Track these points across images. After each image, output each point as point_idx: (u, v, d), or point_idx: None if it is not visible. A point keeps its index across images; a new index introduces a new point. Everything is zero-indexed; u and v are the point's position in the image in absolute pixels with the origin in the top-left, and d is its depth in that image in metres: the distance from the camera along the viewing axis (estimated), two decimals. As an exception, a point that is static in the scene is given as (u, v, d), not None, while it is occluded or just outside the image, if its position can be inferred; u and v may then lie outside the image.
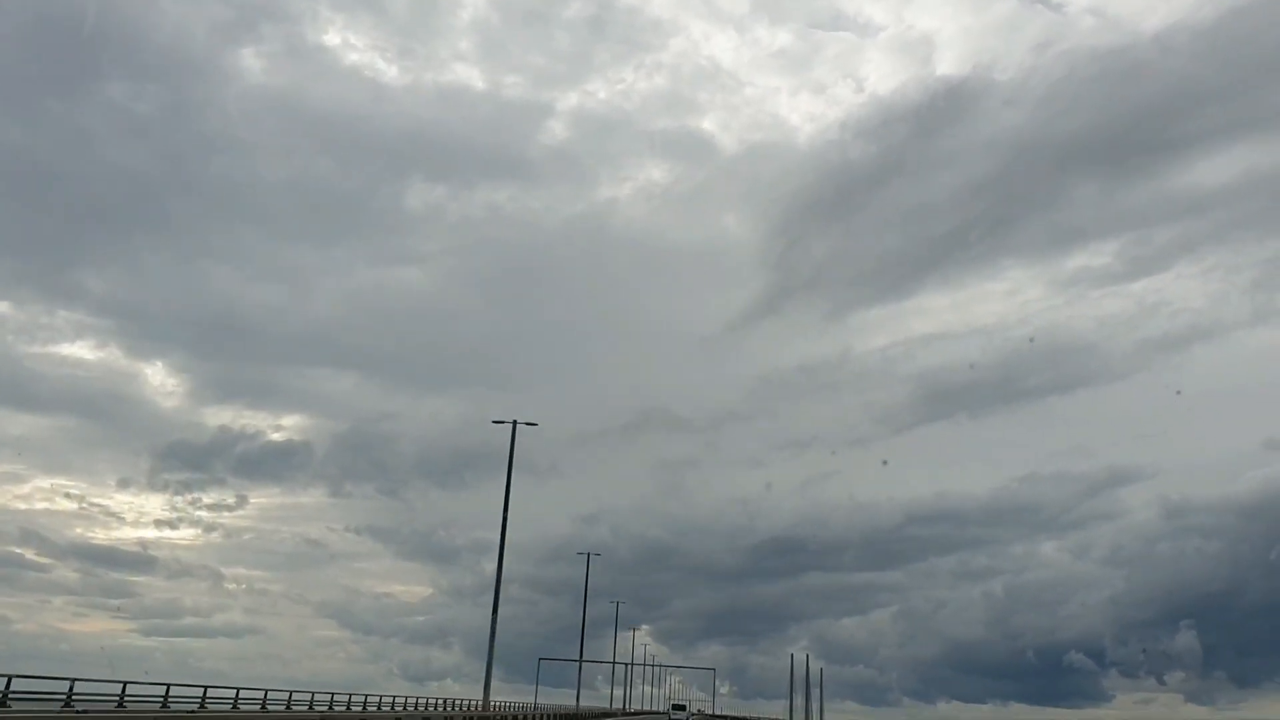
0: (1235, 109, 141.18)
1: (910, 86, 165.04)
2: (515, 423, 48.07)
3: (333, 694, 41.18)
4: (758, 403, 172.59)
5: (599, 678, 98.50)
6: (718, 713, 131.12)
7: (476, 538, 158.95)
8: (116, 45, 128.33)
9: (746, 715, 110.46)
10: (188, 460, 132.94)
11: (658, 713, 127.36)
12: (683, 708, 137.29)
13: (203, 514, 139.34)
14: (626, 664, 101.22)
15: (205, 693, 32.73)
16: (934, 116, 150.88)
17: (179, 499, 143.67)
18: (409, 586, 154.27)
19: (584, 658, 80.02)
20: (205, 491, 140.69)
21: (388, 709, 43.16)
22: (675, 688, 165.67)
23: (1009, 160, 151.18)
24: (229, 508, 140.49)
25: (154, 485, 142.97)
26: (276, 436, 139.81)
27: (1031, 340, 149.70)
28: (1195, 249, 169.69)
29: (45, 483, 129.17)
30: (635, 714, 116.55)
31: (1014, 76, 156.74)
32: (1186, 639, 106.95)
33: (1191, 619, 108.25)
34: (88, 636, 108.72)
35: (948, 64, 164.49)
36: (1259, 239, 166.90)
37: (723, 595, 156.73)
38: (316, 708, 37.54)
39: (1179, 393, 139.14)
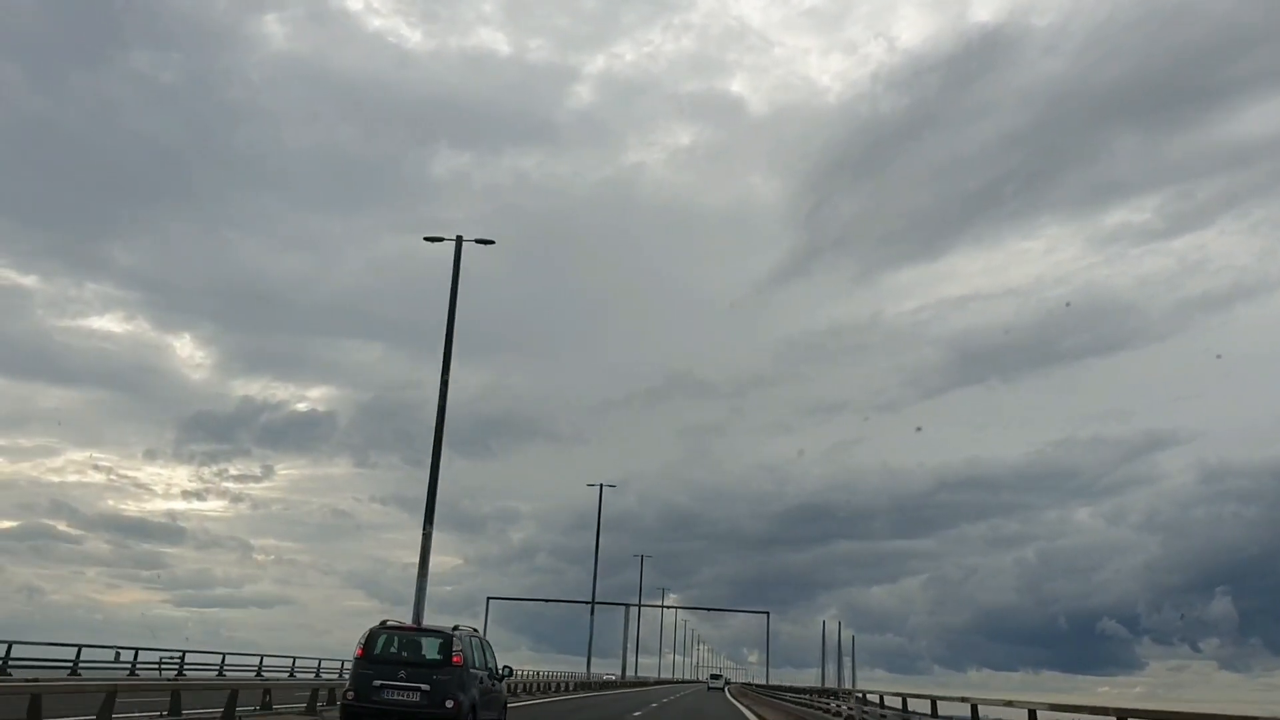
0: None
1: (943, 34, 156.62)
2: (460, 239, 30.01)
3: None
4: (785, 367, 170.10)
5: (625, 648, 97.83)
6: (755, 681, 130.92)
7: (502, 506, 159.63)
8: (139, 13, 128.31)
9: (780, 684, 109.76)
10: (213, 431, 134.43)
11: (689, 682, 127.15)
12: (719, 677, 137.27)
13: (230, 485, 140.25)
14: (635, 606, 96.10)
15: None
16: (968, 66, 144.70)
17: (206, 470, 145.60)
18: (436, 556, 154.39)
19: (598, 620, 78.03)
20: (231, 462, 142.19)
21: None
22: (705, 656, 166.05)
23: (1046, 111, 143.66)
24: (255, 478, 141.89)
25: (180, 457, 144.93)
26: (301, 407, 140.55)
27: (1069, 305, 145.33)
28: (1240, 203, 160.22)
29: (78, 455, 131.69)
30: (673, 682, 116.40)
31: (1053, 21, 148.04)
32: (1222, 605, 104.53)
33: (1227, 585, 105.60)
34: (121, 607, 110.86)
35: (983, 9, 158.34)
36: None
37: (750, 563, 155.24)
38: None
39: (1219, 357, 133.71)
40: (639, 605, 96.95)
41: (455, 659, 16.51)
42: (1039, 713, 12.21)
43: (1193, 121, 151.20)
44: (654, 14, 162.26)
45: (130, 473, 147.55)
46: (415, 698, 16.05)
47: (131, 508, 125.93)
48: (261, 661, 41.38)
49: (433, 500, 26.66)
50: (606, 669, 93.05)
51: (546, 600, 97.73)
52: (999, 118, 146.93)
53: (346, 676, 19.41)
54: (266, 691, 22.38)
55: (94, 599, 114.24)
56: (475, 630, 18.86)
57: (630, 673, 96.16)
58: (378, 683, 16.24)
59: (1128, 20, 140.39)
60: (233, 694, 19.36)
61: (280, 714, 21.34)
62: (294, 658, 43.67)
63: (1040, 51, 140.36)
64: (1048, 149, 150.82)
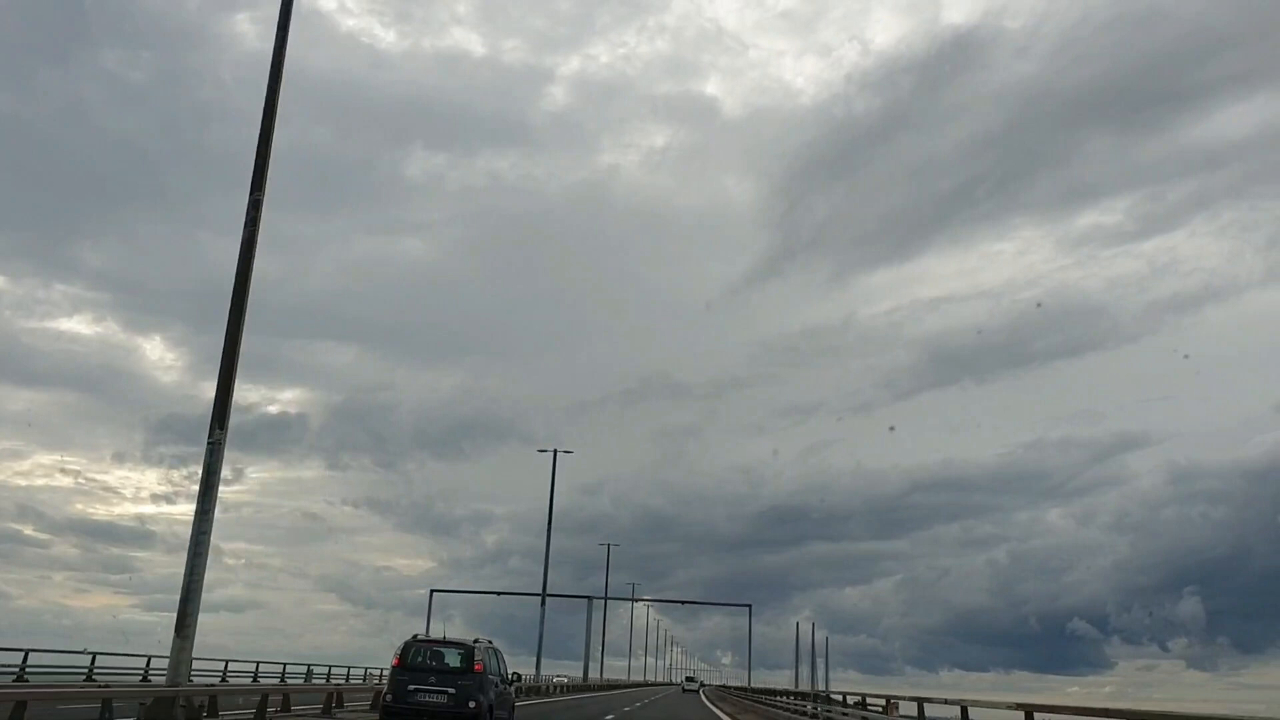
0: (1255, 55, 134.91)
1: (917, 36, 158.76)
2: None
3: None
4: (759, 368, 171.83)
5: (597, 650, 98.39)
6: (728, 683, 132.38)
7: (476, 509, 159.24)
8: (109, 11, 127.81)
9: (756, 686, 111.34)
10: (182, 434, 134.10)
11: (661, 685, 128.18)
12: (694, 679, 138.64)
13: (199, 488, 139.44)
14: (600, 596, 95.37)
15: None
16: (941, 67, 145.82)
17: (175, 473, 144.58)
18: (410, 560, 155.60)
19: (571, 621, 75.65)
20: (200, 465, 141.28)
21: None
22: (678, 658, 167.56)
23: (1018, 113, 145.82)
24: (226, 481, 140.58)
25: (149, 460, 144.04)
26: (272, 409, 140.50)
27: (1039, 306, 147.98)
28: (1210, 205, 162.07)
29: (46, 459, 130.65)
30: (643, 685, 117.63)
31: (1025, 24, 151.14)
32: (1190, 605, 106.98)
33: (1196, 585, 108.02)
34: (90, 612, 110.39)
35: (956, 11, 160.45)
36: (1278, 194, 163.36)
37: (725, 565, 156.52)
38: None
39: (1186, 357, 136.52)
40: (605, 599, 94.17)
41: (476, 666, 19.25)
42: (1035, 715, 13.44)
43: (1164, 124, 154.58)
44: (629, 16, 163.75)
45: (99, 476, 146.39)
46: (443, 700, 18.67)
47: (100, 511, 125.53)
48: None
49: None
50: (573, 671, 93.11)
51: (496, 593, 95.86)
52: (972, 119, 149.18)
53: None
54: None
55: (62, 604, 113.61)
56: (491, 642, 21.09)
57: (595, 674, 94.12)
58: (411, 687, 18.80)
59: (1099, 22, 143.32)
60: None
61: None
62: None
63: (1013, 53, 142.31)
64: (1020, 151, 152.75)
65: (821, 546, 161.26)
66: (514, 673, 21.86)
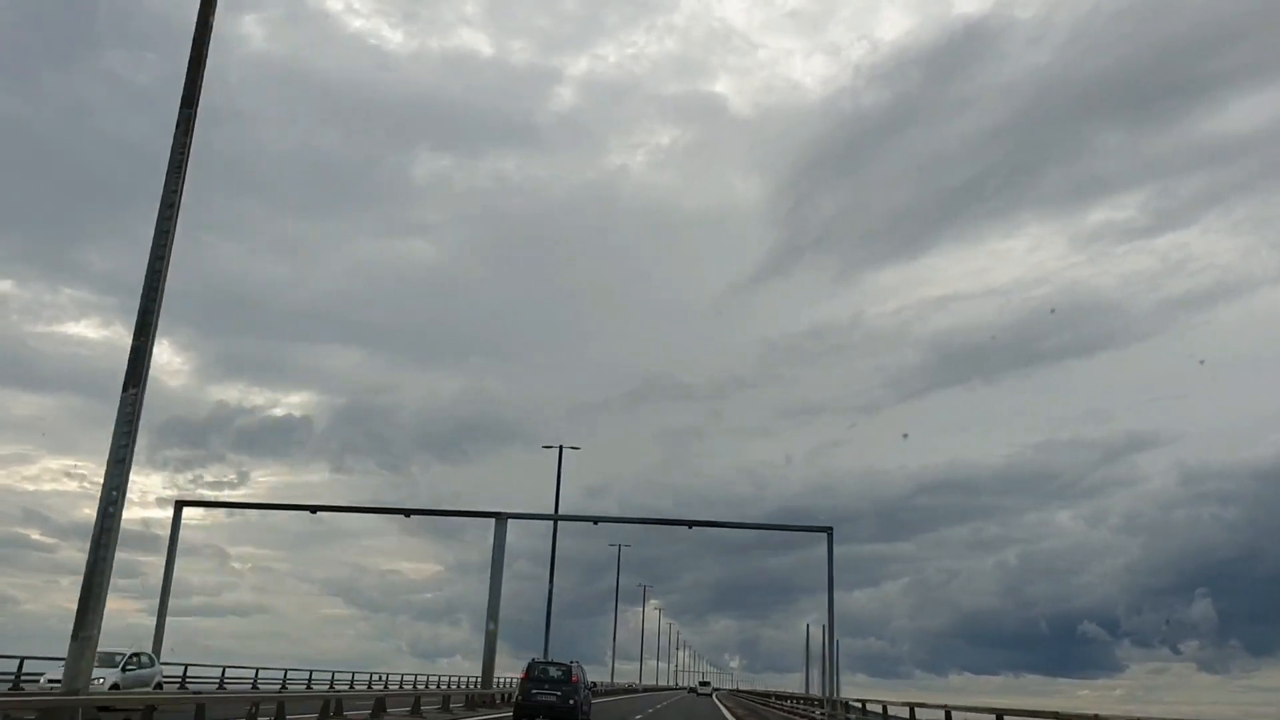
0: (1271, 47, 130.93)
1: (926, 27, 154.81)
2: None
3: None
4: (765, 368, 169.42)
5: (605, 653, 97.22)
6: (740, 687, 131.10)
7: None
8: (113, 12, 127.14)
9: (767, 689, 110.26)
10: (187, 437, 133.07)
11: (668, 689, 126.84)
12: (707, 684, 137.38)
13: (205, 492, 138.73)
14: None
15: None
16: (951, 59, 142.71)
17: (180, 477, 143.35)
18: (415, 563, 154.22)
19: (577, 625, 75.02)
20: (206, 469, 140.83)
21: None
22: (685, 662, 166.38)
23: (1029, 105, 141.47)
24: (231, 485, 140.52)
25: (154, 463, 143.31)
26: (277, 412, 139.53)
27: (1053, 311, 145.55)
28: (1224, 200, 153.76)
29: (54, 463, 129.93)
30: (655, 690, 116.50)
31: (1037, 13, 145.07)
32: (1201, 607, 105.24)
33: (1207, 587, 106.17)
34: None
35: (967, 1, 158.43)
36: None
37: (732, 568, 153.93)
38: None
39: (1202, 362, 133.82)
40: (615, 601, 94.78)
41: (574, 678, 30.12)
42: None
43: (1177, 117, 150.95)
44: (637, 15, 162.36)
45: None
46: (553, 698, 28.95)
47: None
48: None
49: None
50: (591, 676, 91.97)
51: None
52: (981, 112, 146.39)
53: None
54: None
55: (68, 608, 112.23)
56: (577, 661, 31.99)
57: (604, 678, 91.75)
58: (533, 691, 29.19)
59: (1112, 12, 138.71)
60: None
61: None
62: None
63: (1024, 44, 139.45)
64: (1030, 144, 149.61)
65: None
66: (593, 681, 32.89)
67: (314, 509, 46.17)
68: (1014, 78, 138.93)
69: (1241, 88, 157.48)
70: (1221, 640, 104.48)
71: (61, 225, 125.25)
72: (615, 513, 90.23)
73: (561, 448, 61.32)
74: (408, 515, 50.21)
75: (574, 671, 30.19)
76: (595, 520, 45.74)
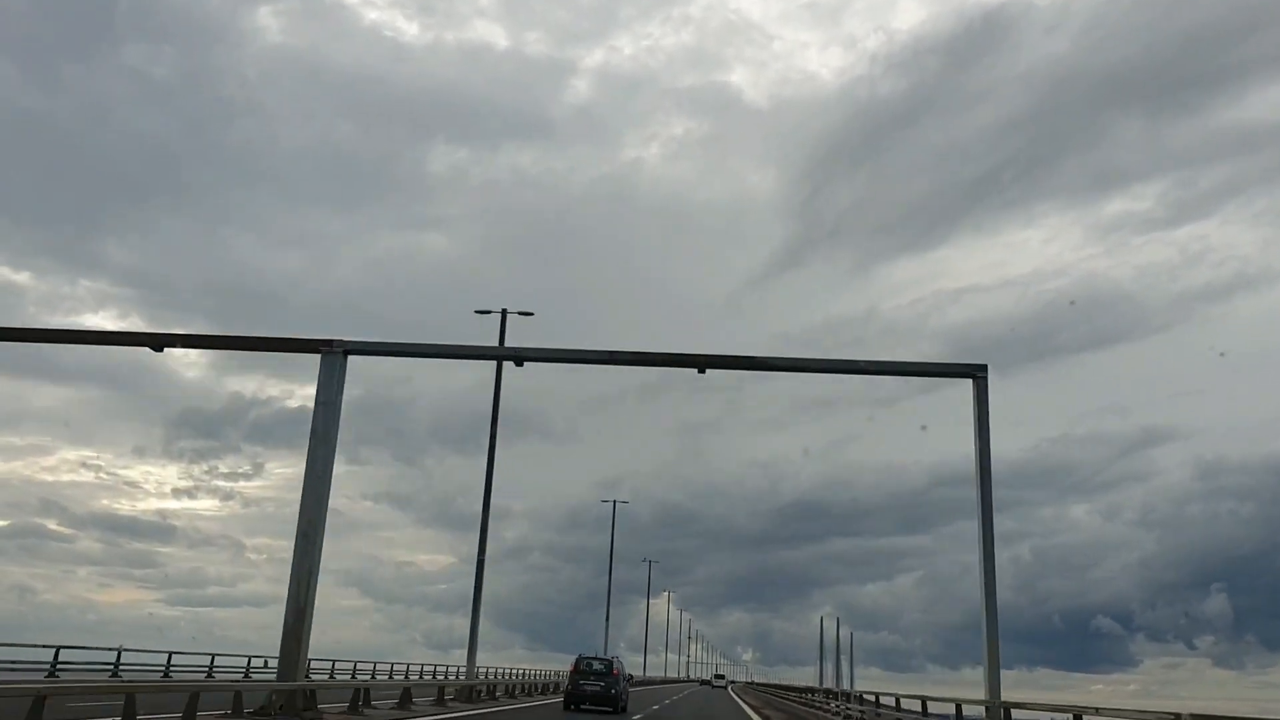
0: None
1: (944, 14, 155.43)
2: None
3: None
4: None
5: (621, 644, 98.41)
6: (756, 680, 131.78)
7: (495, 504, 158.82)
8: (132, 7, 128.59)
9: (780, 683, 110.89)
10: (201, 428, 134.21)
11: (683, 681, 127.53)
12: (722, 676, 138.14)
13: (220, 483, 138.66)
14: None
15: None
16: (968, 47, 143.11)
17: (195, 467, 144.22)
18: (430, 555, 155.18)
19: (592, 617, 76.90)
20: (221, 460, 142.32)
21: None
22: (699, 654, 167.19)
23: (1047, 94, 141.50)
24: (246, 476, 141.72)
25: (169, 454, 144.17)
26: (291, 403, 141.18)
27: (1073, 303, 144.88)
28: (1244, 191, 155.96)
29: (72, 454, 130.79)
30: (672, 681, 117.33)
31: (1055, 0, 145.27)
32: (1217, 602, 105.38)
33: (1223, 582, 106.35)
34: (114, 606, 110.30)
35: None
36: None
37: (745, 561, 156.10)
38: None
39: (1222, 355, 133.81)
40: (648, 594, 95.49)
41: (615, 671, 34.79)
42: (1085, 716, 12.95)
43: (1197, 106, 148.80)
44: (653, 7, 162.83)
45: (122, 471, 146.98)
46: (598, 688, 33.61)
47: (124, 506, 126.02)
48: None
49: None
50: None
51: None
52: (998, 101, 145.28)
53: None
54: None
55: (86, 598, 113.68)
56: (618, 658, 37.70)
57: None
58: (581, 682, 33.86)
59: None
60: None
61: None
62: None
63: (1042, 32, 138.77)
64: (1048, 134, 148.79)
65: (842, 542, 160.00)
66: (630, 674, 37.63)
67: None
68: (1031, 67, 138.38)
69: (1263, 77, 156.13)
70: (1237, 635, 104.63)
71: (80, 218, 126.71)
72: (630, 505, 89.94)
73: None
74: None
75: (615, 665, 35.29)
76: (518, 360, 25.15)
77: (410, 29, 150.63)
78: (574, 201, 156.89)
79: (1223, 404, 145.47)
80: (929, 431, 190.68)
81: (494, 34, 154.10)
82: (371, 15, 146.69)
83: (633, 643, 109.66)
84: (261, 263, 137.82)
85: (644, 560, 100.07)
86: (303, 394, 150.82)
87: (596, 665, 34.32)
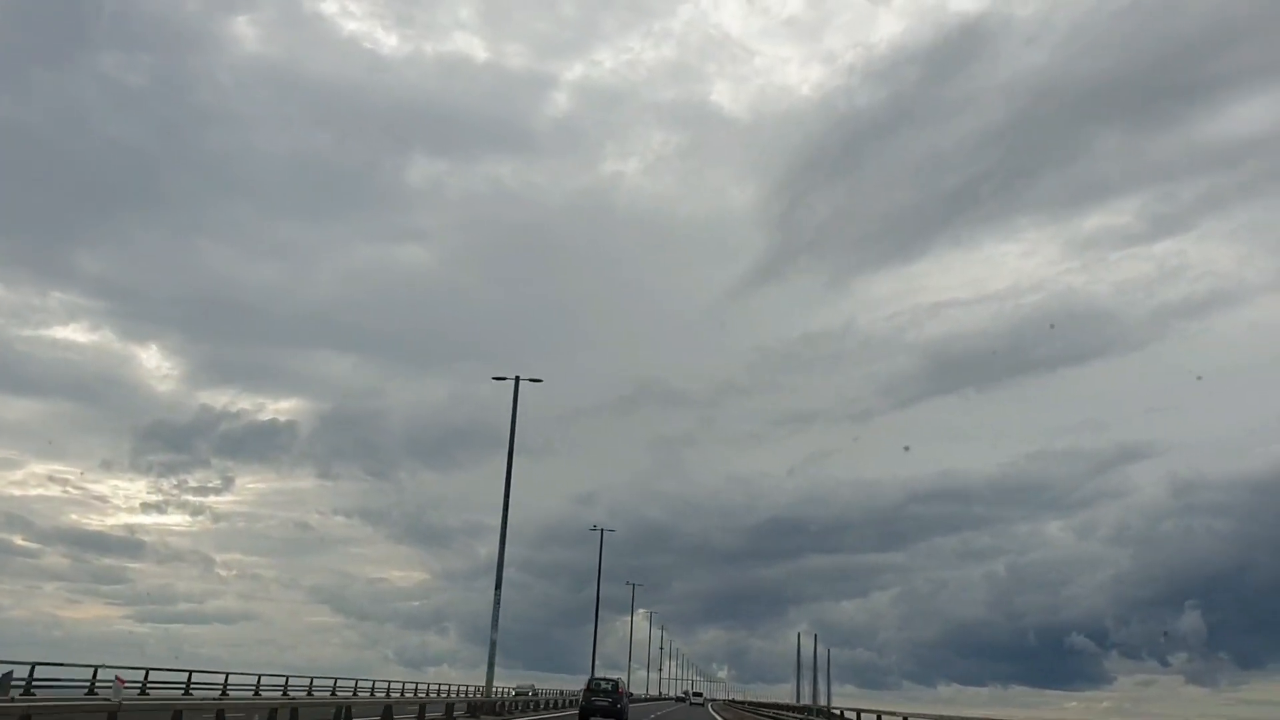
0: (1272, 48, 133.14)
1: (923, 25, 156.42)
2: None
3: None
4: (757, 375, 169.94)
5: (597, 662, 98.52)
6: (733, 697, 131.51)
7: (469, 520, 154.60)
8: (107, 13, 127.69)
9: (760, 700, 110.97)
10: (170, 441, 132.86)
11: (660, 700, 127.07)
12: (700, 694, 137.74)
13: (189, 497, 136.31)
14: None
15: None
16: (948, 57, 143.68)
17: (164, 481, 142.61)
18: (403, 571, 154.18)
19: (574, 634, 78.55)
20: (190, 474, 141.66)
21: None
22: (674, 670, 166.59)
23: (1026, 106, 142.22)
24: (216, 490, 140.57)
25: (138, 468, 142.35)
26: (262, 416, 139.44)
27: (1053, 327, 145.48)
28: (1223, 205, 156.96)
29: (40, 468, 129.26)
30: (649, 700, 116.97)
31: (1036, 11, 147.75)
32: (1191, 619, 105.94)
33: (1196, 599, 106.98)
34: (81, 623, 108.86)
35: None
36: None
37: (722, 578, 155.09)
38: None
39: (1200, 378, 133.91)
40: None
41: (620, 690, 43.65)
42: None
43: (1176, 119, 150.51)
44: (634, 21, 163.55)
45: (90, 485, 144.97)
46: (606, 704, 41.08)
47: (93, 521, 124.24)
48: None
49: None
50: (574, 686, 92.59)
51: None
52: (977, 113, 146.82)
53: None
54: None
55: (53, 614, 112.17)
56: (622, 679, 48.60)
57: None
58: (592, 699, 41.54)
59: (1112, 11, 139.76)
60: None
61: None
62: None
63: (1022, 43, 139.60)
64: (1027, 147, 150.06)
65: (818, 559, 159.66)
66: (630, 692, 43.90)
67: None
68: (1011, 78, 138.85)
69: (1243, 90, 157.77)
70: (1210, 653, 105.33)
71: (52, 228, 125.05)
72: (604, 520, 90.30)
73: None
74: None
75: (619, 685, 44.90)
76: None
77: (389, 40, 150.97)
78: (553, 214, 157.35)
79: (1199, 420, 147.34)
80: (907, 449, 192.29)
81: (474, 46, 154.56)
82: (350, 26, 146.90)
83: (608, 660, 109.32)
84: (237, 274, 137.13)
85: (627, 583, 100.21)
86: (274, 408, 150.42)
87: (605, 685, 43.47)
